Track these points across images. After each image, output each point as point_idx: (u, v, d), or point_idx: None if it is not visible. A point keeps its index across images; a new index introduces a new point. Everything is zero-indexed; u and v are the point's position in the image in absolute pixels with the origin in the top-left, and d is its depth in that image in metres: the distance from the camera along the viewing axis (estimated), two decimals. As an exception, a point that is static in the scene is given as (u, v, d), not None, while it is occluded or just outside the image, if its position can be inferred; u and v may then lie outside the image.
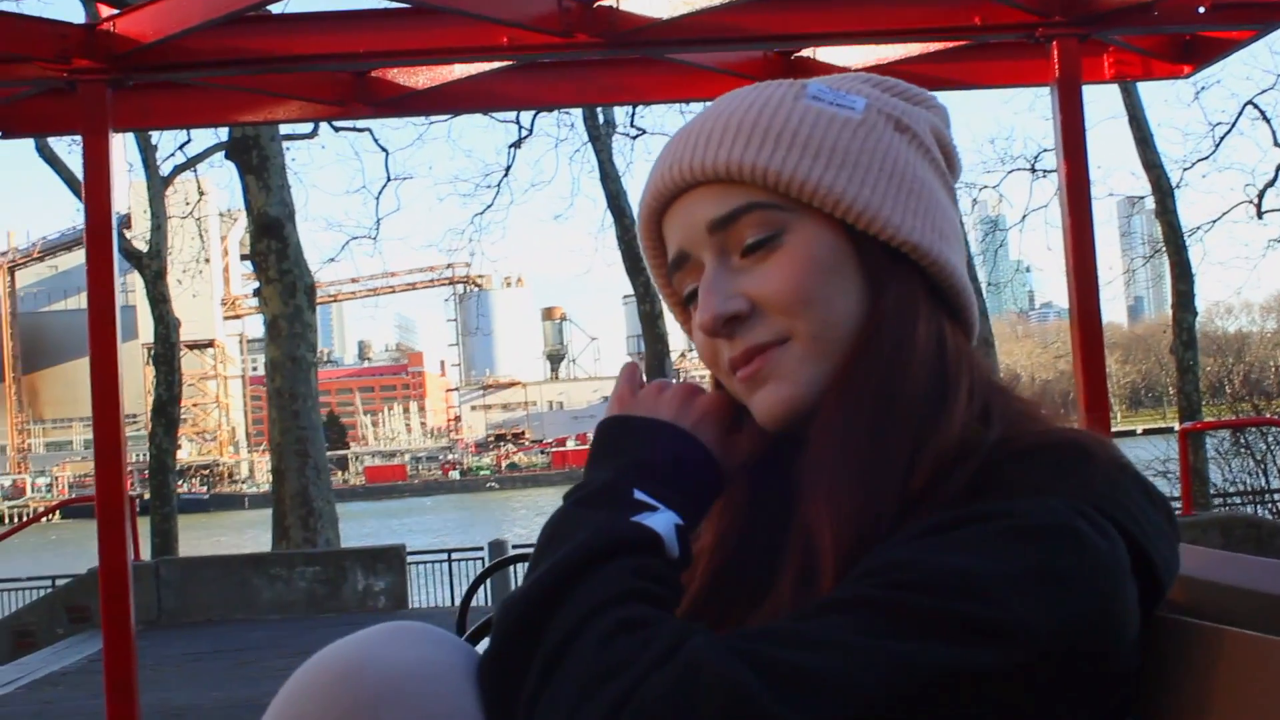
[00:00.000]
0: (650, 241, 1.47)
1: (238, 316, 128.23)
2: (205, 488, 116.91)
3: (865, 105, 1.38)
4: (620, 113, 23.99)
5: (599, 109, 21.78)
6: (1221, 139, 25.96)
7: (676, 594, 1.27)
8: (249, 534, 45.81)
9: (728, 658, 1.07)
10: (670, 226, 1.42)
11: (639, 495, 1.31)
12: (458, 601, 12.38)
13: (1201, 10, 6.21)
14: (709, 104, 1.44)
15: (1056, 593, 1.10)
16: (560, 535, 1.27)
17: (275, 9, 5.96)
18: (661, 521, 1.29)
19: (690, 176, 1.37)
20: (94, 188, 6.27)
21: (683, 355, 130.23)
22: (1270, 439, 14.43)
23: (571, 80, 7.24)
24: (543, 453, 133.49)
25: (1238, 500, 15.18)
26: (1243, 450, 14.65)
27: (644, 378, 1.49)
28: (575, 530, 1.26)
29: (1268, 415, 16.71)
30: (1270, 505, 14.83)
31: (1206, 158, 26.29)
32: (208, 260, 26.38)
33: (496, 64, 6.62)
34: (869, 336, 1.33)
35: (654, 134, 26.86)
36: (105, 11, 6.21)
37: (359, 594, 12.96)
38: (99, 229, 6.27)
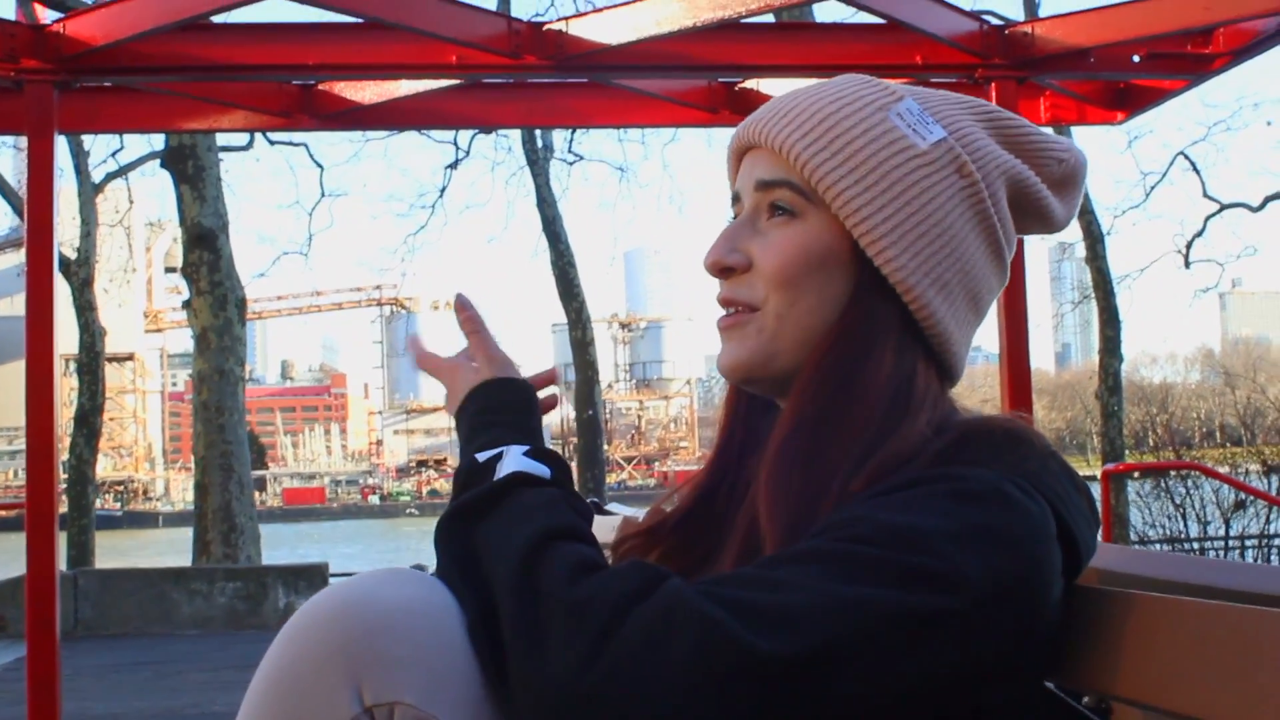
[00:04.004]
0: (732, 171, 1.60)
1: (159, 330, 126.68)
2: (119, 504, 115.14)
3: (939, 140, 1.46)
4: (559, 138, 24.09)
5: (538, 133, 21.86)
6: (1152, 188, 26.50)
7: (583, 513, 1.38)
8: (167, 559, 45.02)
9: (700, 597, 1.18)
10: (742, 167, 1.56)
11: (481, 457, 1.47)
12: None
13: (1136, 59, 6.37)
14: (827, 80, 1.54)
15: (992, 549, 1.22)
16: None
17: (226, 18, 5.96)
18: (512, 461, 1.44)
19: (760, 140, 1.50)
20: (37, 190, 6.25)
21: (610, 386, 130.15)
22: (1190, 484, 14.68)
23: (518, 101, 7.30)
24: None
25: (1157, 544, 15.39)
26: (1163, 494, 14.89)
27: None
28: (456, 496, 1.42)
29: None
30: (1188, 550, 15.06)
31: (1137, 206, 26.83)
32: (136, 270, 26.17)
33: (444, 82, 6.66)
34: (830, 349, 1.44)
35: (591, 160, 27.03)
36: (42, 12, 6.21)
37: (280, 611, 12.86)
38: (41, 231, 6.24)
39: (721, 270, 1.50)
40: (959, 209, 1.45)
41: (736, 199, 1.55)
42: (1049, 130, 1.59)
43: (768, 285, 1.46)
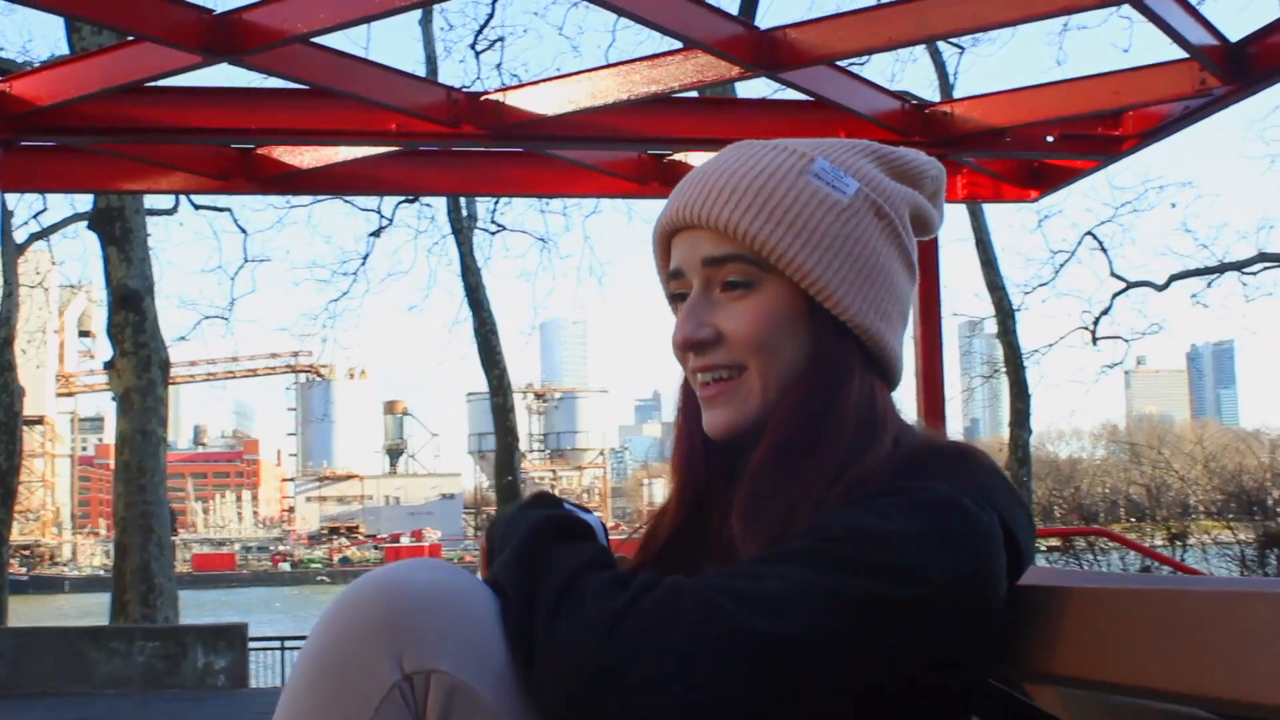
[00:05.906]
0: (661, 254, 1.76)
1: (70, 394, 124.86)
2: (25, 569, 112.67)
3: (855, 190, 1.65)
4: (481, 208, 24.25)
5: (463, 202, 22.03)
6: (1061, 266, 26.81)
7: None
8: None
9: (700, 585, 1.38)
10: (675, 246, 1.71)
11: (568, 506, 1.63)
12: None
13: (1050, 139, 6.63)
14: (728, 150, 1.71)
15: (949, 549, 1.41)
16: (512, 528, 1.57)
17: (170, 82, 6.05)
18: (591, 519, 1.61)
19: (695, 220, 1.65)
20: (-22, 244, 6.34)
21: (524, 456, 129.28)
22: (1096, 553, 15.08)
23: (453, 169, 7.45)
24: (376, 548, 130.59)
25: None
26: (1071, 562, 15.26)
27: None
28: (522, 523, 1.55)
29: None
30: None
31: (1047, 283, 27.13)
32: (55, 330, 26.04)
33: (383, 149, 6.77)
34: (806, 390, 1.62)
35: (513, 231, 27.22)
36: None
37: (199, 671, 12.80)
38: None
39: (693, 345, 1.66)
40: (884, 245, 1.66)
41: (675, 276, 1.71)
42: (915, 151, 1.79)
43: (745, 352, 1.63)
